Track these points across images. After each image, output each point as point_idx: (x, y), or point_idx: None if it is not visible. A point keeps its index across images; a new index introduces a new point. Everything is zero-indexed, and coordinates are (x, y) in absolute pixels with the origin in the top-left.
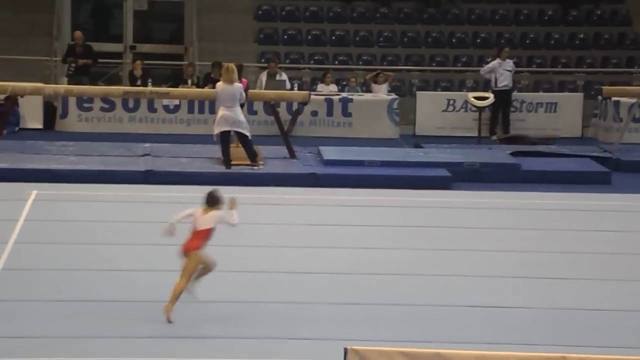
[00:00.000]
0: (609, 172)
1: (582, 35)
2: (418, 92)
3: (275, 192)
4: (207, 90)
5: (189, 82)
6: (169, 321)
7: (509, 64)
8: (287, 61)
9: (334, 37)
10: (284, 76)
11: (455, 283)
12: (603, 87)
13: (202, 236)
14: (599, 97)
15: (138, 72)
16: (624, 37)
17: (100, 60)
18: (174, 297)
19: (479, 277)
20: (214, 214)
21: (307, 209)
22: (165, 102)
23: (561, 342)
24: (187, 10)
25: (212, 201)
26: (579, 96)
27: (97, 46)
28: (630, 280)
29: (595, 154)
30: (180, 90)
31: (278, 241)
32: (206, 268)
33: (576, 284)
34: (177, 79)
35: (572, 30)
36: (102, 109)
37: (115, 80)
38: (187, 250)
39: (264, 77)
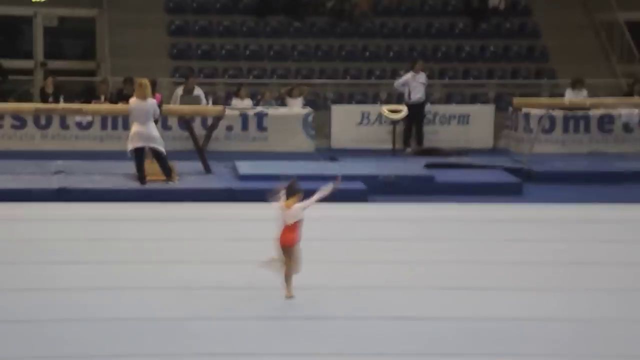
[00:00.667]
0: (520, 183)
1: (492, 48)
2: (333, 106)
3: (191, 207)
4: (120, 106)
5: (102, 98)
6: (290, 297)
7: (423, 77)
8: (201, 76)
9: (248, 52)
10: (200, 91)
11: (371, 295)
12: (513, 99)
13: (293, 229)
14: (510, 109)
15: (50, 89)
16: (533, 50)
17: (10, 77)
18: (288, 281)
19: (396, 289)
20: (296, 206)
21: (223, 224)
22: (78, 118)
23: (480, 351)
24: (98, 26)
25: (291, 192)
26: (490, 108)
27: (7, 63)
28: (543, 290)
29: (507, 165)
30: (93, 106)
31: (195, 257)
32: (294, 266)
33: (492, 294)
34: (89, 95)
35: (483, 43)
36: (13, 127)
37: (26, 97)
38: (286, 245)
39: (179, 92)
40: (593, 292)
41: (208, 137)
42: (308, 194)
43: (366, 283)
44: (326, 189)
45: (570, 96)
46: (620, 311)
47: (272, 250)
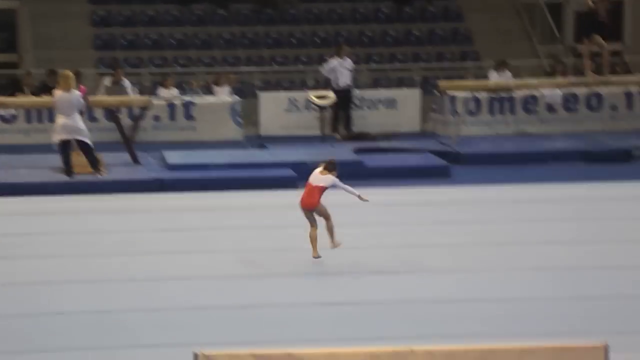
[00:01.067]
0: (448, 166)
1: (416, 32)
2: (260, 93)
3: (120, 199)
4: (44, 98)
5: (26, 90)
6: (318, 256)
7: (349, 62)
8: (126, 66)
9: (173, 41)
10: (126, 82)
11: (299, 281)
12: (439, 82)
13: (316, 192)
14: (436, 92)
15: None
16: (457, 33)
17: None
18: (313, 242)
19: (323, 274)
20: (329, 176)
21: (154, 215)
22: (2, 112)
23: (413, 334)
24: (20, 17)
25: (331, 166)
26: (416, 92)
27: None
28: (474, 271)
29: (434, 148)
30: (17, 99)
31: (125, 249)
32: (329, 223)
33: (423, 276)
34: (12, 88)
35: (407, 27)
36: None
37: None
38: (308, 206)
39: (106, 82)
40: (523, 272)
41: (135, 128)
42: (236, 181)
43: (291, 270)
44: (356, 192)
45: (495, 78)
46: (549, 290)
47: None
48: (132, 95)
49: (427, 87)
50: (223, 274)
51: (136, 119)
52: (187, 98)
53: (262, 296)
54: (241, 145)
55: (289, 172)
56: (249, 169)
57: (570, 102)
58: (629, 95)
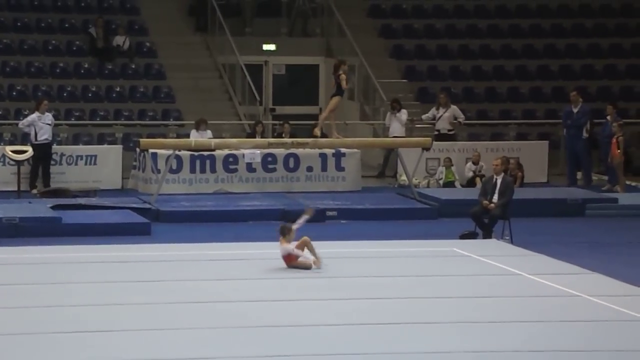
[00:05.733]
0: (149, 223)
1: (118, 89)
2: None
3: None
4: None
5: None
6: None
7: (49, 117)
8: None
9: None
10: None
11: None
12: (140, 140)
13: (290, 256)
14: (137, 149)
15: None
16: (159, 90)
17: None
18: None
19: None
20: (284, 246)
21: None
22: None
23: None
24: None
25: (282, 231)
26: (118, 148)
27: None
28: (193, 329)
29: (135, 206)
30: None
31: None
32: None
33: (126, 335)
34: None
35: (109, 83)
36: None
37: None
38: (290, 263)
39: None
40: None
41: None
42: None
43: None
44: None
45: (195, 136)
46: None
47: None
48: None
49: (129, 143)
50: None
51: None
52: None
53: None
54: None
55: None
56: None
57: (269, 162)
58: (323, 157)
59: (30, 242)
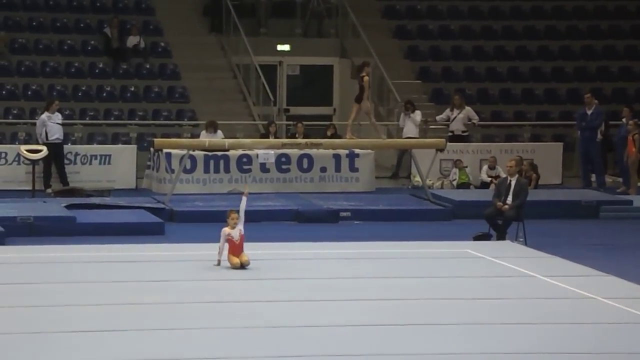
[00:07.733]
0: (162, 223)
1: (133, 88)
2: None
3: None
4: None
5: None
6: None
7: (58, 116)
8: None
9: None
10: None
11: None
12: (154, 139)
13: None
14: (151, 149)
15: None
16: (174, 90)
17: None
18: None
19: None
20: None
21: None
22: None
23: None
24: None
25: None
26: (132, 148)
27: None
28: (224, 328)
29: (149, 205)
30: None
31: None
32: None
33: (146, 335)
34: None
35: (124, 83)
36: None
37: None
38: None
39: None
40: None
41: None
42: None
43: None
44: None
45: (205, 137)
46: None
47: None
48: None
49: (143, 143)
50: None
51: None
52: None
53: None
54: None
55: None
56: None
57: (283, 162)
58: (337, 158)
59: (44, 241)
